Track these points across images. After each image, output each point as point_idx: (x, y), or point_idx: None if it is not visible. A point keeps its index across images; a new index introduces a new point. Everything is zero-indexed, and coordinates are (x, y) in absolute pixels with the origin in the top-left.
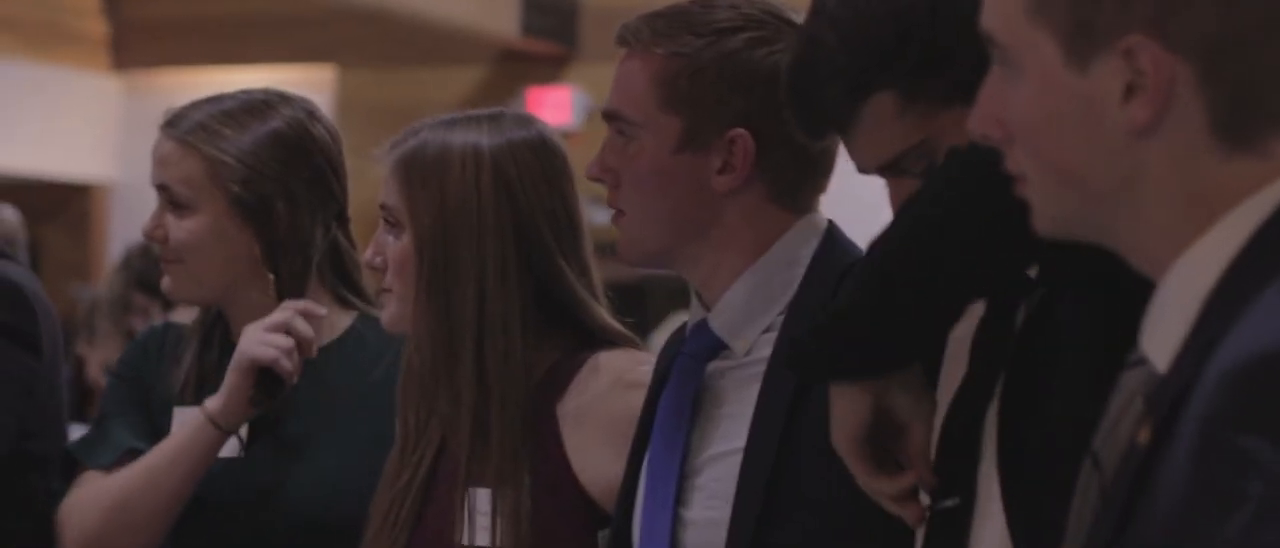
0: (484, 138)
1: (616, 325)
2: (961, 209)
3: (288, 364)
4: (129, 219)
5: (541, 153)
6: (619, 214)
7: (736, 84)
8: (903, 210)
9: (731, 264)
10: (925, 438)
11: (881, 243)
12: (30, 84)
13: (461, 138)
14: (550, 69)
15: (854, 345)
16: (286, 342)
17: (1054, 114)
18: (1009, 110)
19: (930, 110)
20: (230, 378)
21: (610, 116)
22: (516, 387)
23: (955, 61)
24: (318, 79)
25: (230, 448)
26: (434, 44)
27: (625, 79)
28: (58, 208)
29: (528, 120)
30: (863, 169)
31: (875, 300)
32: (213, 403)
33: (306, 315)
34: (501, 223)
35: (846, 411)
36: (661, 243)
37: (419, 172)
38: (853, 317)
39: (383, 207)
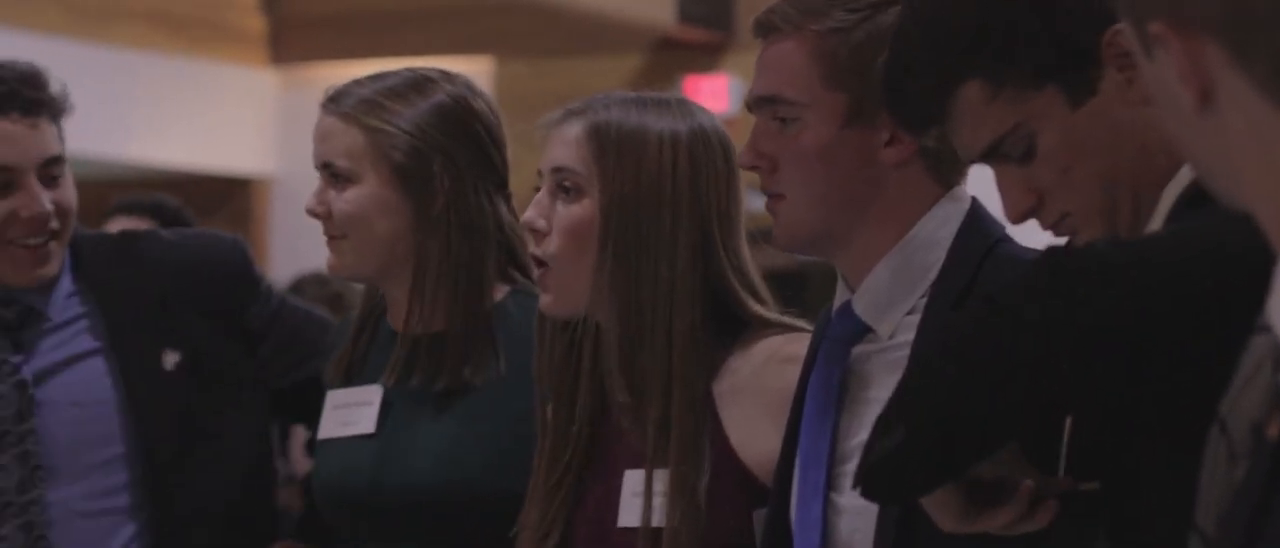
0: (679, 123)
1: (768, 315)
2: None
3: None
4: (288, 212)
5: (724, 146)
6: (775, 199)
7: None
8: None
9: (879, 244)
10: (1021, 485)
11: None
12: (191, 80)
13: (657, 119)
14: (707, 57)
15: (921, 477)
16: None
17: (1157, 99)
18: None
19: (1020, 95)
20: None
21: (765, 101)
22: (697, 368)
23: (1038, 43)
24: (475, 71)
25: (365, 425)
26: (590, 34)
27: (779, 60)
28: (219, 202)
29: (705, 111)
30: (965, 158)
31: (932, 441)
32: None
33: None
34: (692, 208)
35: (937, 506)
36: (822, 223)
37: (614, 143)
38: (914, 454)
39: (558, 170)
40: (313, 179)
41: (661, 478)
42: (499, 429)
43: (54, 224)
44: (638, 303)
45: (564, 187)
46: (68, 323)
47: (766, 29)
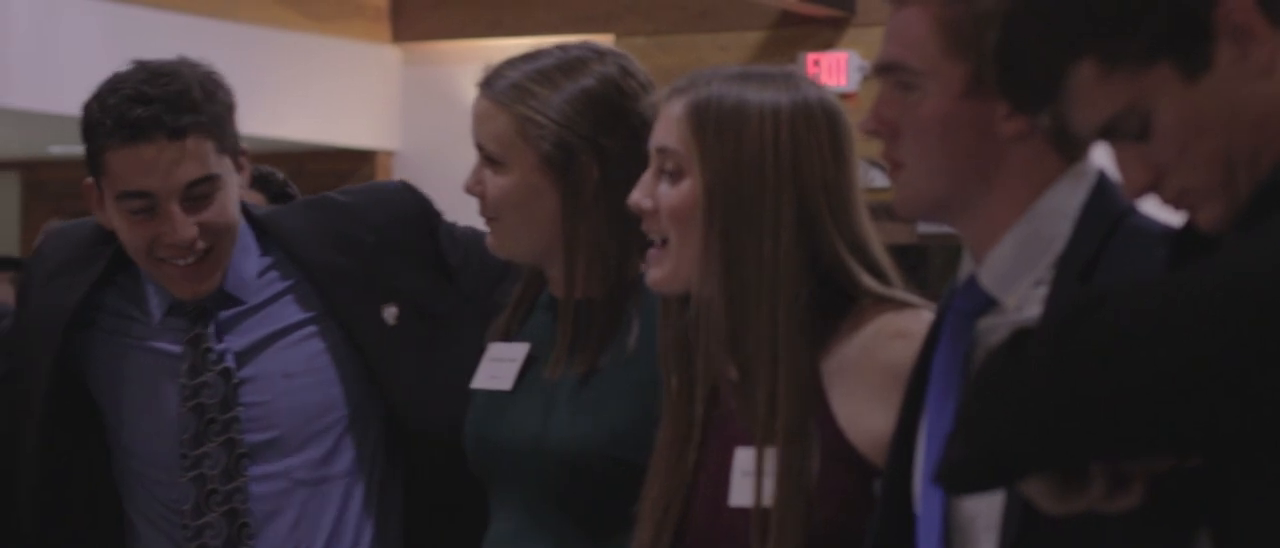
0: (781, 96)
1: (882, 290)
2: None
3: None
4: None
5: (831, 119)
6: (897, 167)
7: None
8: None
9: (1005, 215)
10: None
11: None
12: (317, 56)
13: (758, 94)
14: (828, 33)
15: (985, 486)
16: None
17: None
18: None
19: (1133, 72)
20: None
21: (888, 68)
22: (804, 345)
23: (1150, 18)
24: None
25: (505, 381)
26: (711, 9)
27: (904, 28)
28: (344, 175)
29: (814, 84)
30: (1080, 137)
31: (987, 465)
32: None
33: None
34: (796, 182)
35: (1032, 492)
36: (942, 193)
37: (714, 120)
38: (975, 470)
39: (661, 150)
40: (433, 152)
41: (770, 457)
42: (627, 401)
43: (201, 244)
44: (742, 280)
45: (666, 168)
46: (270, 301)
47: None
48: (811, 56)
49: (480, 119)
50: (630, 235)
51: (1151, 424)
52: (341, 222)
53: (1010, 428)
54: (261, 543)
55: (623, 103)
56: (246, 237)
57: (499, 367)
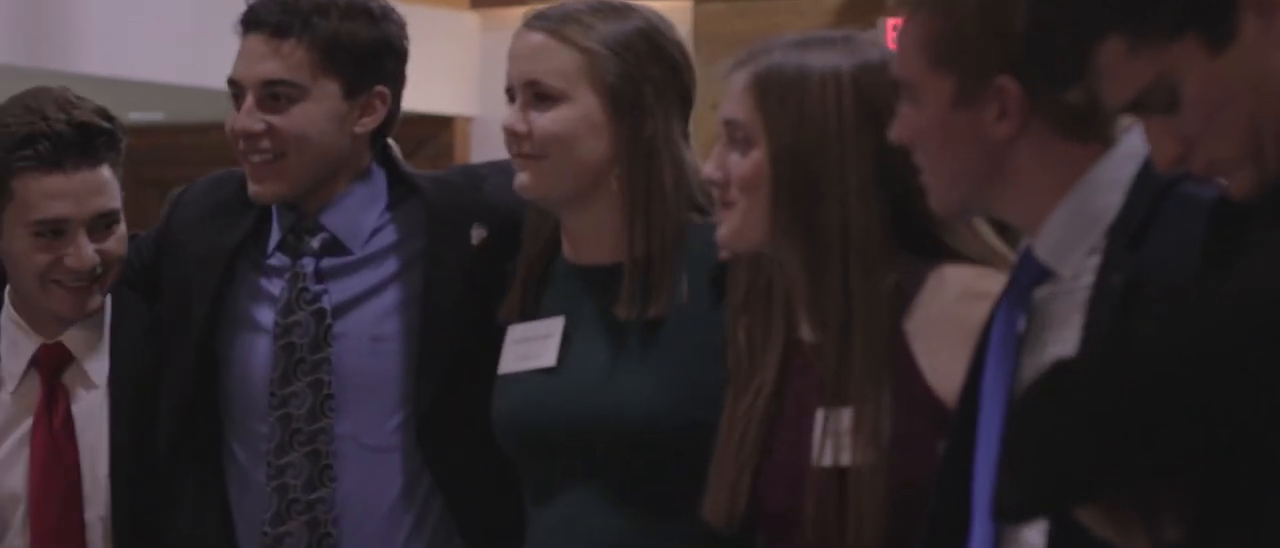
0: (842, 59)
1: (980, 243)
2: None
3: None
4: (489, 151)
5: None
6: (920, 171)
7: (995, 34)
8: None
9: (1040, 200)
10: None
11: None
12: None
13: (819, 59)
14: None
15: (1056, 502)
16: None
17: None
18: None
19: (1159, 45)
20: None
21: (897, 83)
22: (879, 304)
23: None
24: (673, 9)
25: (546, 358)
26: None
27: (900, 44)
28: (423, 141)
29: (876, 45)
30: (1110, 111)
31: (1037, 499)
32: None
33: None
34: (862, 144)
35: (1091, 521)
36: (961, 195)
37: (777, 90)
38: (1026, 505)
39: (728, 122)
40: None
41: (846, 416)
42: (685, 361)
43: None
44: (814, 243)
45: (734, 138)
46: (375, 257)
47: (900, 4)
48: (891, 21)
49: (536, 53)
50: (677, 188)
51: (1189, 449)
52: (476, 194)
53: (1054, 460)
54: (339, 489)
55: (670, 46)
56: (378, 188)
57: (530, 346)
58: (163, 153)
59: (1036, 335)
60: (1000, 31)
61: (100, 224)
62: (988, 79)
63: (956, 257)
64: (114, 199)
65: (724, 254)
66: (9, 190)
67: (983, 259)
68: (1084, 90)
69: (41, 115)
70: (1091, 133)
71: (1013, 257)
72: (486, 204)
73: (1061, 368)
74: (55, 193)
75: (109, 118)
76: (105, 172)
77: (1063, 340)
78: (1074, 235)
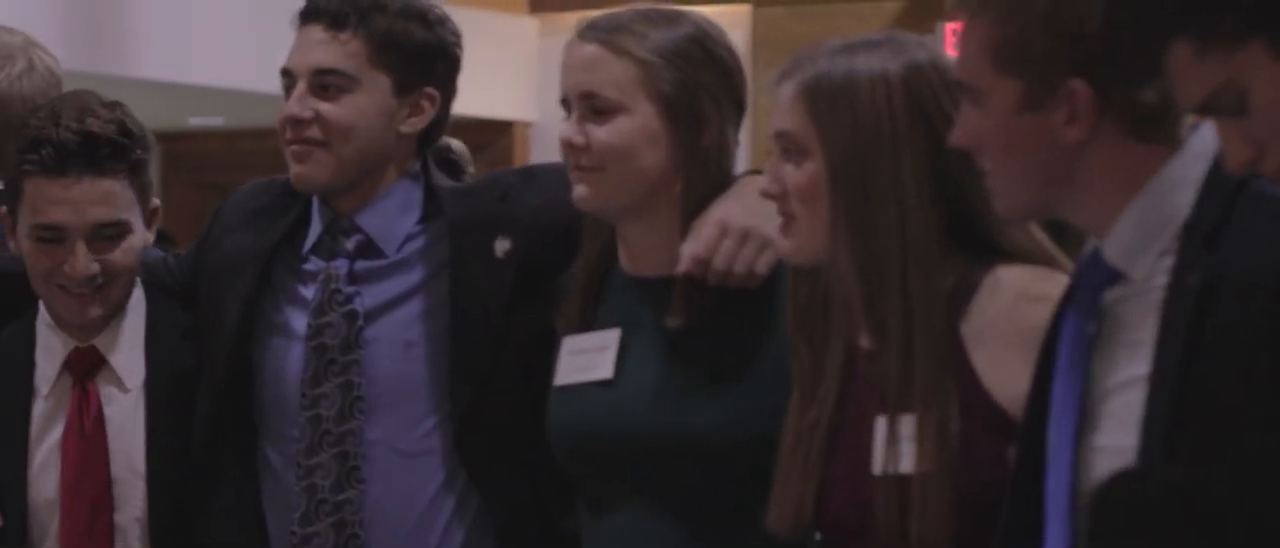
0: (889, 62)
1: (1034, 243)
2: None
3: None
4: (547, 156)
5: (944, 74)
6: (985, 174)
7: (1065, 37)
8: None
9: (1110, 202)
10: None
11: None
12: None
13: (866, 63)
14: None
15: None
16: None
17: None
18: None
19: (1226, 50)
20: None
21: (960, 86)
22: (938, 309)
23: None
24: (733, 16)
25: (603, 370)
26: None
27: (964, 47)
28: (482, 146)
29: (922, 44)
30: (1183, 110)
31: None
32: None
33: None
34: (917, 145)
35: None
36: (1029, 198)
37: (827, 97)
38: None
39: (780, 134)
40: None
41: (909, 423)
42: (741, 373)
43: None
44: (872, 248)
45: (788, 150)
46: (407, 263)
47: (958, 6)
48: (950, 26)
49: (592, 64)
50: None
51: None
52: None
53: None
54: (368, 493)
55: (723, 54)
56: (415, 196)
57: (586, 358)
58: (222, 157)
59: (1108, 339)
60: (1069, 34)
61: (102, 235)
62: (1057, 82)
63: (1008, 257)
64: (120, 211)
65: (796, 260)
66: (21, 190)
67: (1035, 258)
68: (1158, 90)
69: (56, 121)
70: (1160, 134)
71: (1061, 256)
72: (510, 215)
73: (1122, 477)
74: (55, 199)
75: (129, 133)
76: (111, 184)
77: (1136, 342)
78: (1145, 237)
